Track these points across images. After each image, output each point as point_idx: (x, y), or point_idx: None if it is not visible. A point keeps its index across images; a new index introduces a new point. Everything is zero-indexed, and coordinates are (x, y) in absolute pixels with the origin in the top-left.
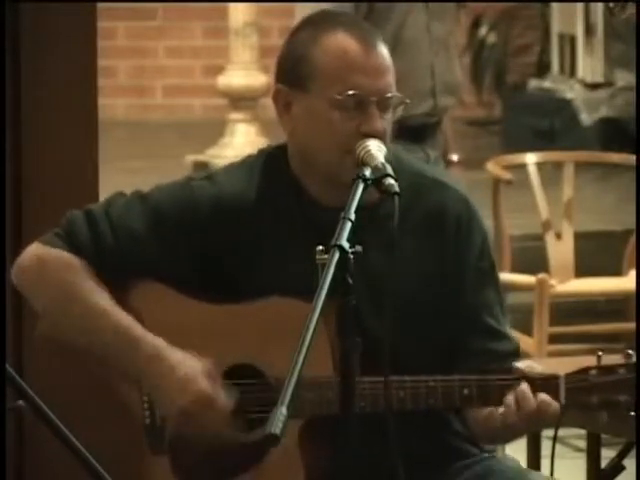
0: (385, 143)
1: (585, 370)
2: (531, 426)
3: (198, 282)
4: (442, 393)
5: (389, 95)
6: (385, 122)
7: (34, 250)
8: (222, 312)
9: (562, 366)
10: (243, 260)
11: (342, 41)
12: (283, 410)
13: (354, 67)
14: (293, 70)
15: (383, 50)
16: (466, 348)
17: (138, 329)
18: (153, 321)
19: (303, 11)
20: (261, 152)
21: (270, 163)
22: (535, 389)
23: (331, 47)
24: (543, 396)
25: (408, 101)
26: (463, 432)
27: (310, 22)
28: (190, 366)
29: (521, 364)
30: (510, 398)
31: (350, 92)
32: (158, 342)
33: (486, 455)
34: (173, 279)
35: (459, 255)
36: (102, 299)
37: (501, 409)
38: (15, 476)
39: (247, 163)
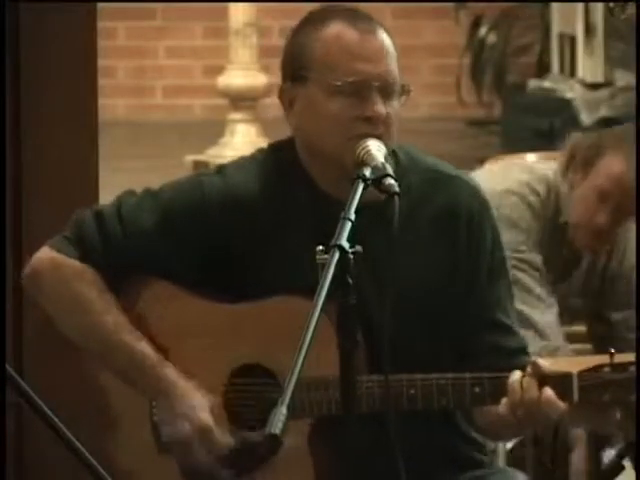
0: (390, 131)
1: (598, 367)
2: (533, 419)
3: (208, 280)
4: (453, 391)
5: (391, 81)
6: (389, 108)
7: (47, 256)
8: (231, 311)
9: (562, 366)
10: (254, 255)
11: (338, 29)
12: (283, 410)
13: (350, 53)
14: (293, 66)
15: (382, 36)
16: (477, 344)
17: (151, 354)
18: (163, 321)
19: None
20: (271, 147)
21: (280, 158)
22: (547, 386)
23: (327, 36)
24: (547, 391)
25: (412, 89)
26: (471, 438)
27: (308, 19)
28: (198, 398)
29: (541, 361)
30: (513, 385)
31: (350, 79)
32: (170, 370)
33: (494, 469)
34: (182, 277)
35: (471, 251)
36: (115, 317)
37: (504, 400)
38: (15, 475)
39: (257, 158)
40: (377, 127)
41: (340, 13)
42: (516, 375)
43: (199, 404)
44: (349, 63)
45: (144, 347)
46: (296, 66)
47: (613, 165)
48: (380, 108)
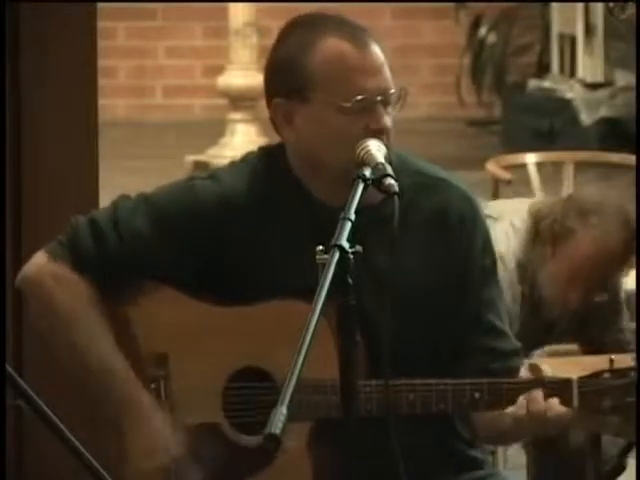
0: (389, 139)
1: (598, 374)
2: (538, 430)
3: (203, 283)
4: (453, 397)
5: (391, 91)
6: (389, 117)
7: (42, 264)
8: (228, 314)
9: (562, 366)
10: (248, 259)
11: (336, 46)
12: (283, 410)
13: (353, 70)
14: (289, 82)
15: (376, 47)
16: (470, 346)
17: (130, 386)
18: (160, 324)
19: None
20: (262, 150)
21: (272, 163)
22: (547, 393)
23: (326, 53)
24: (553, 402)
25: (408, 91)
26: (469, 439)
27: (293, 30)
28: (161, 437)
29: (538, 361)
30: (522, 401)
31: (358, 97)
32: (145, 405)
33: (491, 471)
34: (178, 280)
35: (463, 253)
36: (99, 334)
37: (511, 409)
38: (15, 475)
39: (249, 161)
40: (382, 139)
41: (328, 23)
42: (521, 401)
43: (161, 444)
44: (353, 82)
45: (126, 375)
46: (292, 82)
47: (581, 245)
48: (386, 121)
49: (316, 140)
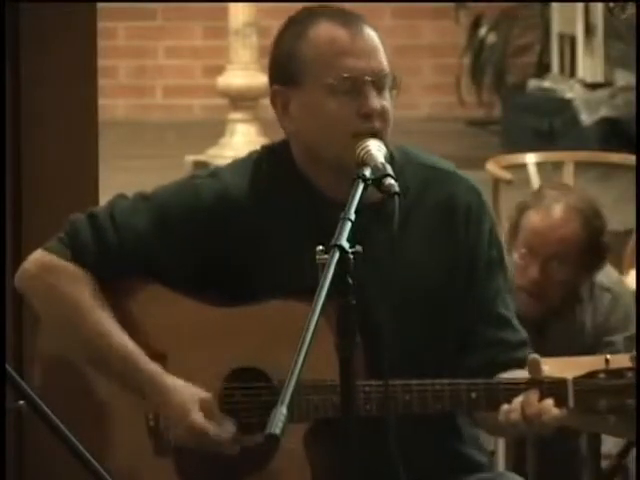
0: (388, 125)
1: (593, 374)
2: (533, 431)
3: (203, 283)
4: (449, 397)
5: (383, 74)
6: (384, 101)
7: (40, 258)
8: (227, 314)
9: (558, 366)
10: (250, 258)
11: (327, 30)
12: (283, 410)
13: (342, 51)
14: (284, 68)
15: (369, 32)
16: (479, 338)
17: (137, 353)
18: (157, 324)
19: None
20: (265, 148)
21: (275, 159)
22: (543, 393)
23: (317, 37)
24: (547, 404)
25: (402, 79)
26: (471, 439)
27: (293, 20)
28: (187, 394)
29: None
30: (517, 404)
31: (345, 75)
32: (156, 368)
33: (494, 473)
34: (178, 280)
35: (470, 245)
36: (104, 319)
37: (505, 407)
38: (15, 476)
39: (251, 159)
40: (374, 122)
41: (324, 12)
42: (516, 402)
43: (188, 400)
44: (341, 61)
45: (133, 348)
46: (287, 69)
47: (533, 218)
48: (375, 102)
49: (311, 127)
